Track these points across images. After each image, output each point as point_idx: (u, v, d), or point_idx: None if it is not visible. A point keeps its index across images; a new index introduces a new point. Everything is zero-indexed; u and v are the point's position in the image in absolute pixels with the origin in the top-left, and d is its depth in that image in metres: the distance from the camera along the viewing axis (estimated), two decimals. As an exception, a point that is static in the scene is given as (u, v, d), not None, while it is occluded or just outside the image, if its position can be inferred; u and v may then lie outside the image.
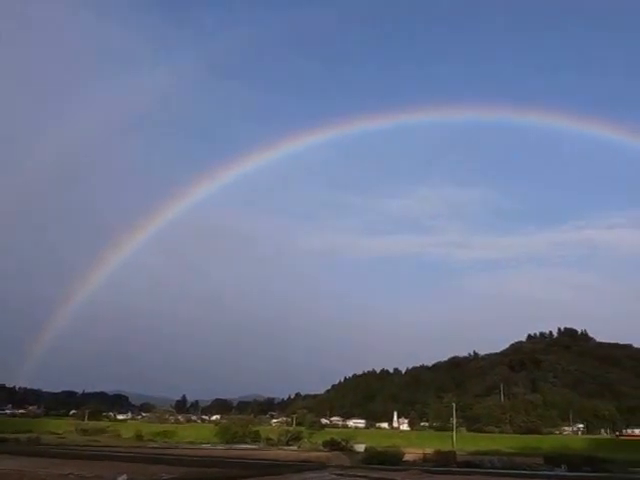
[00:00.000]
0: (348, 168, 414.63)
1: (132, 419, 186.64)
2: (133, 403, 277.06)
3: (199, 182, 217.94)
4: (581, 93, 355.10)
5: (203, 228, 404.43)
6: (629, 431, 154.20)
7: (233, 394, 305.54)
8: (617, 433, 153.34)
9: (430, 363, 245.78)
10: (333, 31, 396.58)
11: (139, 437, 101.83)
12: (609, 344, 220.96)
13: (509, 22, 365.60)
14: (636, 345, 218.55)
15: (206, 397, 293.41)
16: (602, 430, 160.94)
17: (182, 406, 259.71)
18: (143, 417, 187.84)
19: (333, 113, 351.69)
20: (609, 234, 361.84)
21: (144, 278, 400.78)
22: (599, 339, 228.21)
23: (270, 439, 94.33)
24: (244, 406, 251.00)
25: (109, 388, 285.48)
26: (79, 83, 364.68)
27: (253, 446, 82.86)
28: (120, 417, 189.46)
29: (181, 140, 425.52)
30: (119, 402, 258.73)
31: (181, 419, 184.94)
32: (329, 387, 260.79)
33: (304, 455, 60.12)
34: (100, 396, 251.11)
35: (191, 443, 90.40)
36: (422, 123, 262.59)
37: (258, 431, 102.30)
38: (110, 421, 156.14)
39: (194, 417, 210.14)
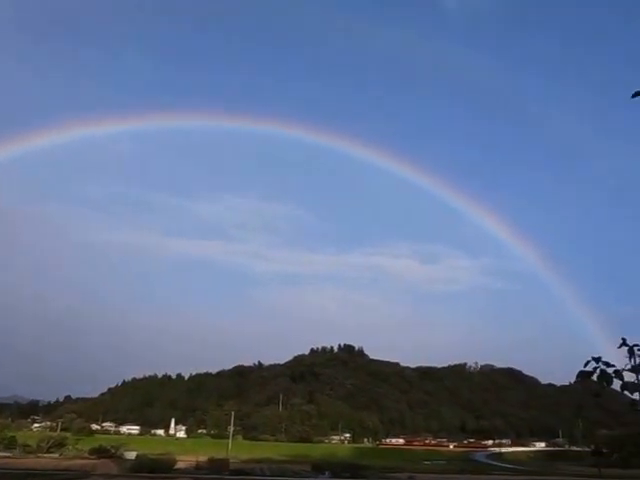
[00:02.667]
0: (158, 166, 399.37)
1: None
2: None
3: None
4: (389, 128, 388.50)
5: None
6: (388, 440, 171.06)
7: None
8: (378, 442, 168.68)
9: (215, 370, 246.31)
10: (162, 25, 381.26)
11: None
12: (380, 361, 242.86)
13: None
14: (402, 364, 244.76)
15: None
16: (365, 439, 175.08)
17: None
18: None
19: (148, 107, 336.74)
20: (394, 262, 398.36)
21: None
22: (373, 356, 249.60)
23: (28, 446, 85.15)
24: (1, 408, 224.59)
25: None
26: None
27: (6, 454, 74.06)
28: None
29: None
30: None
31: None
32: (105, 390, 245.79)
33: (66, 463, 55.40)
34: None
35: None
36: (234, 130, 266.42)
37: (15, 437, 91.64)
38: None
39: None
